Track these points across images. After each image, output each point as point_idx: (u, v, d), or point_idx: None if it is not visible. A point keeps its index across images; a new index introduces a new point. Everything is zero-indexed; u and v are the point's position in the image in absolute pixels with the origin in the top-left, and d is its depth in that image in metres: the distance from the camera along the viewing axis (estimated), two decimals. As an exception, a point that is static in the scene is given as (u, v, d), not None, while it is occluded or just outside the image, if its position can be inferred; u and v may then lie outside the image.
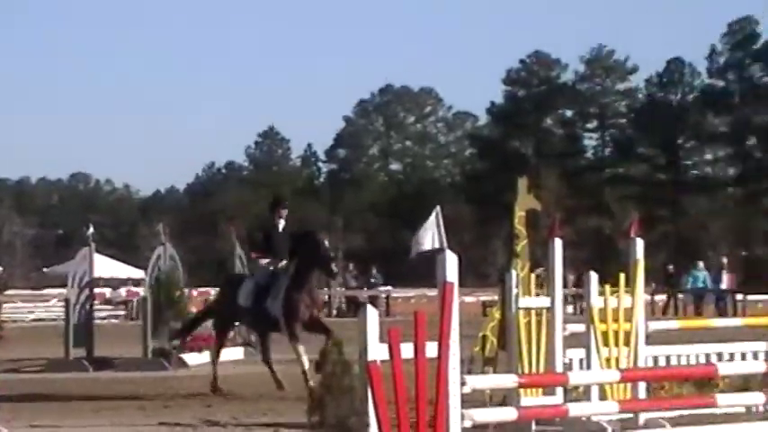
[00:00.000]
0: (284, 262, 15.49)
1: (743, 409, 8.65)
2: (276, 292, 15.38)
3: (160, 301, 22.70)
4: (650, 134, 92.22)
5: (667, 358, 9.36)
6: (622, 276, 8.59)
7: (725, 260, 48.80)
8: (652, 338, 9.00)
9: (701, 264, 46.79)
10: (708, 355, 9.58)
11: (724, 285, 44.95)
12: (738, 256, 61.44)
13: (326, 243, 15.54)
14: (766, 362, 9.04)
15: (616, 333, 8.50)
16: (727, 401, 8.38)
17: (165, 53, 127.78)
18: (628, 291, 8.60)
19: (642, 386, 8.59)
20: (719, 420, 8.25)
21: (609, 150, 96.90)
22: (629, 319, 8.56)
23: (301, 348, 14.81)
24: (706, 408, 8.34)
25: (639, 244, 8.85)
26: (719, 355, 9.56)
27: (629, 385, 8.42)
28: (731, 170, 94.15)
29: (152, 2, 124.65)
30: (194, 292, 33.70)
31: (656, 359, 9.16)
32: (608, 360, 8.42)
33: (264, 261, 15.93)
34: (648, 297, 34.45)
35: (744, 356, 9.46)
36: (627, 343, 8.53)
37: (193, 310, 28.99)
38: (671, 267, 47.81)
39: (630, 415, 8.14)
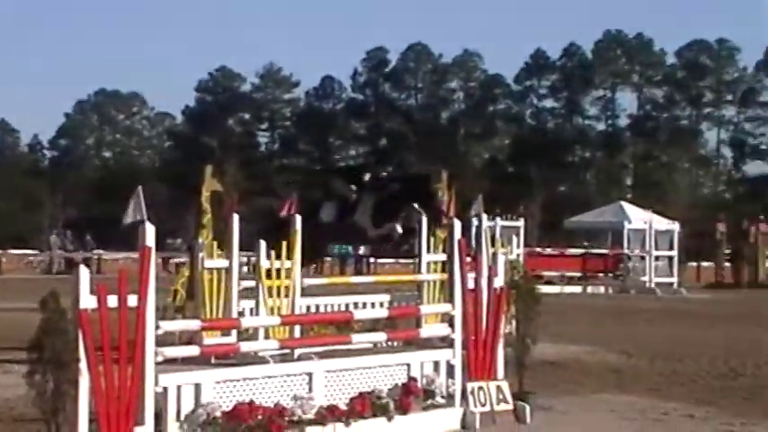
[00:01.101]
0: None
1: (371, 345, 8.87)
2: (364, 207, 12.29)
3: None
4: (308, 134, 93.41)
5: (317, 307, 9.47)
6: (284, 243, 8.65)
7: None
8: (306, 292, 9.10)
9: (344, 234, 47.73)
10: (347, 305, 9.75)
11: (361, 251, 46.12)
12: (372, 229, 62.70)
13: (440, 194, 12.30)
14: (388, 309, 9.31)
15: (278, 288, 8.56)
16: (359, 339, 8.62)
17: None
18: (289, 255, 8.66)
19: (297, 328, 8.68)
20: (353, 354, 8.47)
21: (277, 146, 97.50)
22: (288, 276, 8.63)
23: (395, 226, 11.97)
24: (344, 344, 8.53)
25: (298, 219, 8.93)
26: (356, 305, 9.75)
27: (288, 327, 8.50)
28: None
29: None
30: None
31: (308, 307, 9.26)
32: (272, 309, 8.48)
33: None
34: (304, 259, 34.76)
35: (373, 305, 9.69)
36: (287, 295, 8.60)
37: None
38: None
39: (288, 351, 8.23)
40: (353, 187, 12.72)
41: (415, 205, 11.56)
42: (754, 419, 9.17)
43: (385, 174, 12.98)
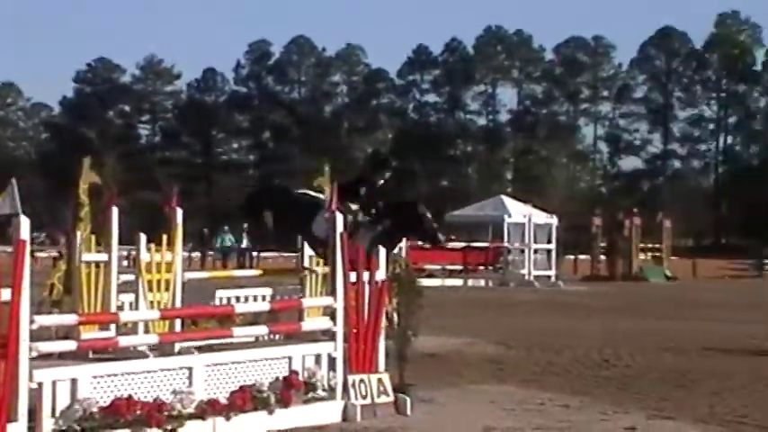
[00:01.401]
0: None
1: (253, 339, 8.84)
2: (360, 238, 11.55)
3: None
4: (190, 127, 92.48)
5: (236, 298, 9.42)
6: (165, 237, 8.56)
7: (245, 225, 49.68)
8: (188, 286, 9.01)
9: (226, 228, 47.59)
10: (229, 298, 9.70)
11: (244, 245, 45.90)
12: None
13: (429, 215, 12.34)
14: (270, 303, 9.29)
15: (159, 282, 8.47)
16: (241, 333, 8.58)
17: None
18: (170, 249, 8.57)
19: (178, 322, 8.59)
20: (235, 347, 8.42)
21: (158, 138, 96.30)
22: (169, 270, 8.54)
23: None
24: (225, 338, 8.48)
25: (179, 212, 8.84)
26: (237, 298, 9.69)
27: (168, 321, 8.41)
28: (251, 156, 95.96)
29: None
30: None
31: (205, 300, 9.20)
32: (152, 302, 8.38)
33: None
34: (186, 254, 34.60)
35: (255, 299, 9.65)
36: (167, 289, 8.52)
37: None
38: (206, 231, 48.25)
39: (168, 345, 8.16)
40: (353, 206, 12.70)
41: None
42: (627, 407, 9.41)
43: (380, 183, 13.00)
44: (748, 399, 10.07)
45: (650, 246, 38.94)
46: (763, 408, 9.54)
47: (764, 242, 52.77)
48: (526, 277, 32.66)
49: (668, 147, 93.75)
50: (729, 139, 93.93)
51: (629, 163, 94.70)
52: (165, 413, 7.45)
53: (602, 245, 38.23)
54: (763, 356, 13.48)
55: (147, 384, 7.61)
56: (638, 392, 10.42)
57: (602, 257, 38.01)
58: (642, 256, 38.21)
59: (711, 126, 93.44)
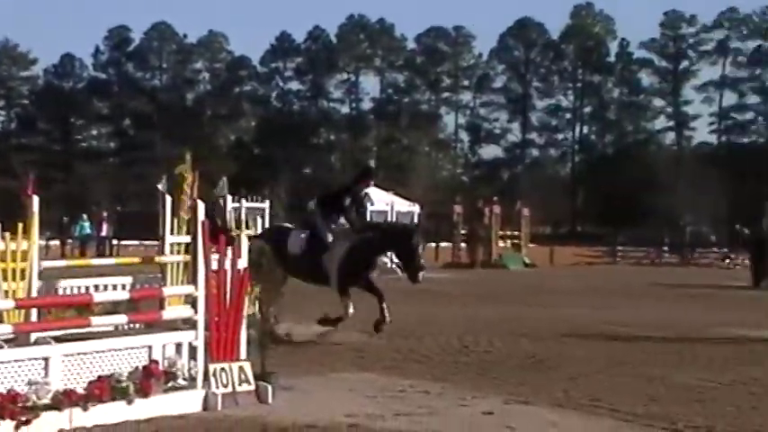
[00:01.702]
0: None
1: (112, 328, 8.69)
2: (335, 254, 12.75)
3: None
4: (48, 113, 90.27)
5: (56, 289, 9.18)
6: (20, 225, 8.35)
7: (105, 214, 48.82)
8: (45, 275, 8.80)
9: (85, 216, 46.69)
10: (87, 287, 9.50)
11: (104, 233, 45.08)
12: (115, 211, 61.53)
13: (420, 249, 12.90)
14: (130, 292, 9.13)
15: (14, 270, 8.26)
16: (100, 322, 8.42)
17: None
18: (26, 237, 8.36)
19: (35, 312, 8.39)
20: (94, 337, 8.28)
21: (14, 125, 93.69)
22: (25, 259, 8.33)
23: (350, 305, 12.85)
24: (84, 328, 8.32)
25: (36, 200, 8.63)
26: (96, 287, 9.50)
27: (24, 311, 8.20)
28: (111, 144, 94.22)
29: None
30: None
31: (48, 290, 8.96)
32: (7, 292, 8.17)
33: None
34: (44, 242, 33.80)
35: (115, 287, 9.48)
36: (23, 278, 8.31)
37: None
38: (66, 219, 47.36)
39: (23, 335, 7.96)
40: (341, 222, 12.83)
41: (396, 259, 12.31)
42: (486, 393, 9.57)
43: (363, 192, 13.41)
44: (604, 383, 10.36)
45: (509, 233, 39.63)
46: (617, 392, 9.83)
47: (619, 230, 54.39)
48: (388, 265, 32.79)
49: (527, 136, 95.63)
50: (585, 129, 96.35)
51: (490, 151, 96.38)
52: (20, 404, 7.27)
53: (463, 233, 38.75)
54: (619, 342, 13.88)
55: (0, 376, 7.42)
56: (497, 378, 10.61)
57: (463, 245, 38.51)
58: (502, 244, 38.85)
59: (568, 116, 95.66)
